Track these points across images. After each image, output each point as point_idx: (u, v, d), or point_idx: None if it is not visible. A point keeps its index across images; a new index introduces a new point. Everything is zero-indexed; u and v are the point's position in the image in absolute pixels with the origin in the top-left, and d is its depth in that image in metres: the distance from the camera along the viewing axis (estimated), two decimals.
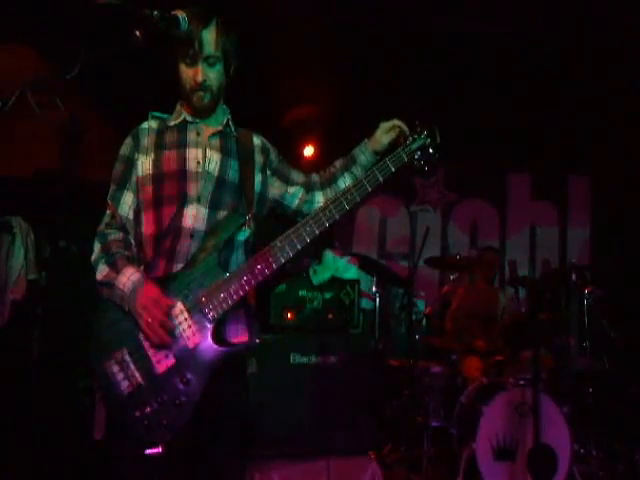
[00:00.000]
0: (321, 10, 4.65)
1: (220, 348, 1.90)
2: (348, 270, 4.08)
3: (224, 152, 2.13)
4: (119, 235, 2.08)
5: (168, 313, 1.90)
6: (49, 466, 3.58)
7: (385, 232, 7.34)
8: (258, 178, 2.19)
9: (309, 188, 2.30)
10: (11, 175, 4.55)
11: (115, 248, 2.03)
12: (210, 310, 1.91)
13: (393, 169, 2.09)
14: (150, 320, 1.87)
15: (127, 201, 2.11)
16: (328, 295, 3.83)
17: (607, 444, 4.46)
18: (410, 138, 2.14)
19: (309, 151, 6.70)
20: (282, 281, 3.73)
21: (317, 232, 2.00)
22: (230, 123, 2.20)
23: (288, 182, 2.29)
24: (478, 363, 4.75)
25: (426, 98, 5.79)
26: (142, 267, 2.04)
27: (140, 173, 2.09)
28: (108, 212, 2.13)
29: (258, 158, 2.22)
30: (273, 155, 2.29)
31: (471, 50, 5.15)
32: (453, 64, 5.34)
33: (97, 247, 2.07)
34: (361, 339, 3.94)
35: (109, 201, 2.13)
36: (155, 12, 1.81)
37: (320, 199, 2.28)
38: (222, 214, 2.06)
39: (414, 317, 4.78)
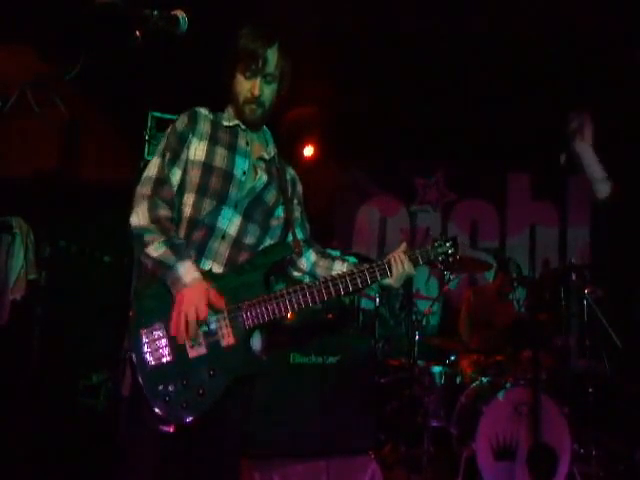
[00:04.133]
0: (321, 10, 4.65)
1: (247, 357, 2.03)
2: None
3: (269, 175, 2.28)
4: (170, 212, 2.11)
5: (205, 318, 1.98)
6: (49, 466, 3.58)
7: (385, 232, 7.34)
8: (290, 208, 2.36)
9: (309, 243, 2.44)
10: (11, 175, 4.55)
11: (173, 231, 2.07)
12: (247, 319, 2.04)
13: (421, 262, 2.28)
14: (186, 315, 1.95)
15: (176, 176, 2.16)
16: None
17: (607, 444, 4.46)
18: (437, 242, 2.33)
19: (309, 151, 6.71)
20: None
21: (350, 289, 2.15)
22: (276, 156, 2.35)
23: (302, 219, 2.45)
24: (473, 359, 4.75)
25: (426, 98, 5.80)
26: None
27: (192, 156, 2.16)
28: (157, 176, 2.12)
29: (290, 190, 2.39)
30: (299, 187, 2.46)
31: (471, 50, 5.15)
32: (453, 64, 5.34)
33: (145, 214, 2.06)
34: (361, 339, 3.93)
35: (165, 168, 2.14)
36: (155, 12, 1.81)
37: (312, 258, 2.40)
38: (252, 227, 2.20)
39: (414, 317, 4.78)
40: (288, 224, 2.31)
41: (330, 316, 3.81)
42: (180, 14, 1.90)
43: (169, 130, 2.21)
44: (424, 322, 5.15)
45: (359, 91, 5.67)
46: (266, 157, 2.30)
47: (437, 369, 4.80)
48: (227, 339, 2.01)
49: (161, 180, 2.12)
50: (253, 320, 2.05)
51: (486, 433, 3.87)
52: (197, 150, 2.16)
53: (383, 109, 5.94)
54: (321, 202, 6.75)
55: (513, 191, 7.28)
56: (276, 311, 2.07)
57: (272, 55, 2.16)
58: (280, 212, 2.31)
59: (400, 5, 4.72)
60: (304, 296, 2.11)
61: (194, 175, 2.15)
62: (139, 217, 2.06)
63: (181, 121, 2.19)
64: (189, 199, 2.14)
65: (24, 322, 4.14)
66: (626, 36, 4.57)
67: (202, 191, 2.14)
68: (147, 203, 2.07)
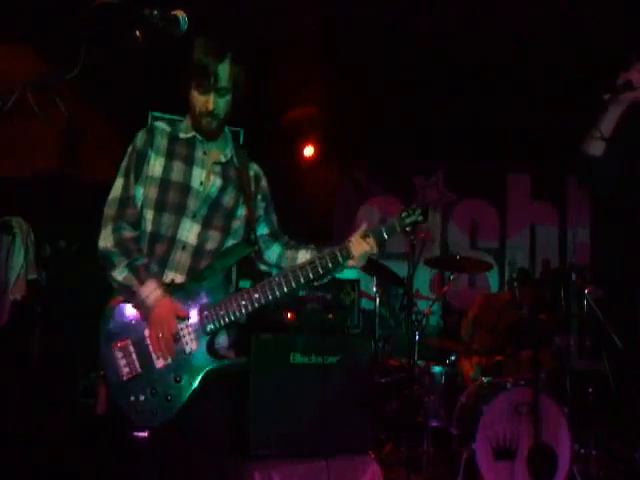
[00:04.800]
0: (321, 9, 4.65)
1: (211, 359, 2.14)
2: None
3: (225, 179, 2.33)
4: (134, 234, 2.20)
5: (177, 331, 2.11)
6: (49, 466, 3.58)
7: None
8: (252, 205, 2.40)
9: (275, 236, 2.47)
10: (11, 175, 4.54)
11: (135, 252, 2.16)
12: (209, 323, 2.14)
13: (386, 237, 2.27)
14: (160, 335, 2.08)
15: (139, 195, 2.24)
16: (328, 295, 3.83)
17: (607, 444, 4.46)
18: (405, 213, 2.31)
19: (309, 151, 6.71)
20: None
21: (311, 277, 2.19)
22: (234, 156, 2.37)
23: (267, 213, 2.48)
24: (474, 361, 4.75)
25: (426, 98, 5.80)
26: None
27: (150, 172, 2.24)
28: (121, 197, 2.21)
29: (253, 187, 2.42)
30: (264, 181, 2.48)
31: (471, 50, 5.15)
32: (453, 64, 5.34)
33: (110, 238, 2.16)
34: (361, 339, 3.93)
35: (129, 189, 2.22)
36: (155, 11, 1.81)
37: (277, 251, 2.44)
38: (212, 233, 2.28)
39: (414, 317, 4.78)
40: (249, 222, 2.35)
41: (330, 316, 3.81)
42: (180, 14, 1.90)
43: (130, 149, 2.28)
44: (424, 322, 5.15)
45: (359, 91, 5.66)
46: (222, 160, 2.34)
47: (437, 369, 4.80)
48: (191, 344, 2.12)
49: (125, 201, 2.21)
50: (214, 323, 2.14)
51: (486, 433, 3.87)
52: (155, 167, 2.24)
53: (383, 109, 5.94)
54: (321, 202, 6.75)
55: (513, 191, 7.28)
56: (237, 312, 2.15)
57: (223, 69, 2.19)
58: (242, 211, 2.35)
59: (400, 5, 4.72)
60: (264, 292, 2.17)
61: (152, 191, 2.23)
62: (104, 240, 2.17)
63: (140, 138, 2.28)
64: (148, 214, 2.23)
65: (24, 322, 4.14)
66: (627, 37, 4.57)
67: (160, 207, 2.22)
68: (111, 225, 2.18)
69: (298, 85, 5.22)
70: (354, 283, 3.96)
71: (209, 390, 2.12)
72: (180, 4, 1.91)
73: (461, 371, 4.83)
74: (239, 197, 2.34)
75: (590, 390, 4.49)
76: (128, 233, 2.18)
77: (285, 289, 2.18)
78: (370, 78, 5.57)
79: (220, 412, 2.23)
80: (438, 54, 5.21)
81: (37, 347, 4.01)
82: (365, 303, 5.20)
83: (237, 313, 2.15)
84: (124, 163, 2.26)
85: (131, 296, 2.12)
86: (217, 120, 2.25)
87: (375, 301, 4.98)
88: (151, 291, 2.09)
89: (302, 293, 3.83)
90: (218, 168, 2.32)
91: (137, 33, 1.77)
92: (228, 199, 2.32)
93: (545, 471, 3.84)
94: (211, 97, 2.19)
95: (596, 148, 2.27)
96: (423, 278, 6.77)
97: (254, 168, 2.45)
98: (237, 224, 2.35)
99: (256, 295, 2.17)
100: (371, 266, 5.01)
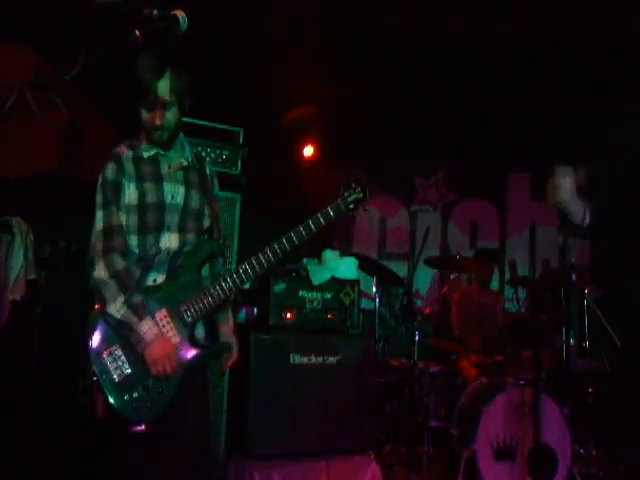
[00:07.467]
0: (321, 10, 4.65)
1: (193, 347, 2.33)
2: (348, 268, 4.05)
3: (188, 185, 2.46)
4: (126, 264, 2.29)
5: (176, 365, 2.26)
6: (49, 466, 3.57)
7: (385, 232, 7.34)
8: (214, 203, 2.54)
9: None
10: (11, 175, 4.54)
11: (131, 286, 2.25)
12: (188, 317, 2.32)
13: (333, 216, 2.46)
14: (161, 370, 2.23)
15: (123, 222, 2.35)
16: (328, 295, 3.82)
17: (607, 444, 4.46)
18: (347, 192, 2.49)
19: (309, 151, 6.70)
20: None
21: (273, 260, 2.36)
22: (194, 159, 2.50)
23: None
24: (475, 361, 4.75)
25: (426, 98, 5.80)
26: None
27: (127, 201, 2.34)
28: (108, 229, 2.30)
29: (211, 185, 2.57)
30: (215, 179, 2.64)
31: (471, 50, 5.15)
32: (454, 64, 5.34)
33: (105, 270, 2.25)
34: (361, 339, 3.93)
35: (112, 219, 2.31)
36: (154, 11, 1.81)
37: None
38: (190, 235, 2.43)
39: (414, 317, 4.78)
40: (212, 218, 2.49)
41: (330, 316, 3.80)
42: (180, 14, 1.90)
43: (100, 181, 2.36)
44: (424, 322, 5.14)
45: (359, 91, 5.66)
46: (184, 164, 2.45)
47: (437, 369, 4.80)
48: (173, 339, 2.28)
49: (110, 231, 2.30)
50: (192, 316, 2.32)
51: (486, 433, 3.87)
52: (130, 195, 2.33)
53: (383, 109, 5.94)
54: (321, 202, 6.74)
55: (513, 191, 7.28)
56: (211, 302, 2.33)
57: (164, 84, 2.25)
58: (208, 210, 2.49)
59: (400, 5, 4.72)
60: (233, 281, 2.34)
61: (132, 218, 2.34)
62: (100, 271, 2.26)
63: (110, 169, 2.35)
64: (132, 240, 2.34)
65: (24, 322, 4.14)
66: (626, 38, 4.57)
67: (143, 230, 2.34)
68: (103, 257, 2.26)
69: (298, 85, 5.22)
70: (354, 283, 3.94)
71: (191, 377, 2.32)
72: (180, 4, 1.91)
73: (461, 371, 4.83)
74: (203, 197, 2.47)
75: (590, 390, 4.49)
76: (121, 263, 2.27)
77: (252, 275, 2.35)
78: (370, 78, 5.57)
79: (199, 397, 2.42)
80: (439, 54, 5.21)
81: (37, 347, 4.00)
82: (365, 303, 5.20)
83: (212, 304, 2.33)
84: (98, 197, 2.34)
85: (129, 332, 2.24)
86: (167, 131, 2.34)
87: (375, 301, 4.97)
88: (149, 328, 2.23)
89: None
90: (180, 174, 2.43)
91: (137, 33, 1.77)
92: (194, 202, 2.44)
93: (545, 471, 3.84)
94: (157, 113, 2.29)
95: (579, 218, 2.33)
96: (423, 278, 6.76)
97: (210, 166, 2.60)
98: (207, 222, 2.49)
99: (227, 286, 2.33)
100: (371, 266, 5.02)
